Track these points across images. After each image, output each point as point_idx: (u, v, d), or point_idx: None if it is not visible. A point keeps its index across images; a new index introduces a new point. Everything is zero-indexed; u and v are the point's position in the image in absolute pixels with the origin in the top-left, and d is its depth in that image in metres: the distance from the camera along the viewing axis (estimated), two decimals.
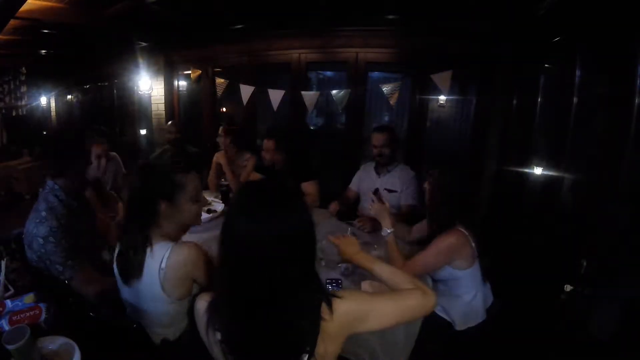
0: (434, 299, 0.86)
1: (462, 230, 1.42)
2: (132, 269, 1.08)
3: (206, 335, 0.81)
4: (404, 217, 2.10)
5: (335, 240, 1.23)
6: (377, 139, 2.23)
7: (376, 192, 1.77)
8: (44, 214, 1.36)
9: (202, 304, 0.84)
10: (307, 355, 0.72)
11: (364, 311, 0.78)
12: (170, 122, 3.50)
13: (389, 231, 1.50)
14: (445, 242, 1.40)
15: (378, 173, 2.33)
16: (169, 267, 1.03)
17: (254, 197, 0.76)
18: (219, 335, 0.77)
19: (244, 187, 0.85)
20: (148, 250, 1.07)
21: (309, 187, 2.42)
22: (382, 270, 1.03)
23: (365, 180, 2.40)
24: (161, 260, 1.04)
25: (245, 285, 0.73)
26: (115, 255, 1.15)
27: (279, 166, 2.50)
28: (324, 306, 0.73)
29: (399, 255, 1.47)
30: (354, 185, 2.48)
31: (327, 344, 0.73)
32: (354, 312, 0.76)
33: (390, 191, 2.24)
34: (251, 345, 0.75)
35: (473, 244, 1.42)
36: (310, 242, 0.76)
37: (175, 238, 1.15)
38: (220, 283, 0.79)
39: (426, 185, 1.57)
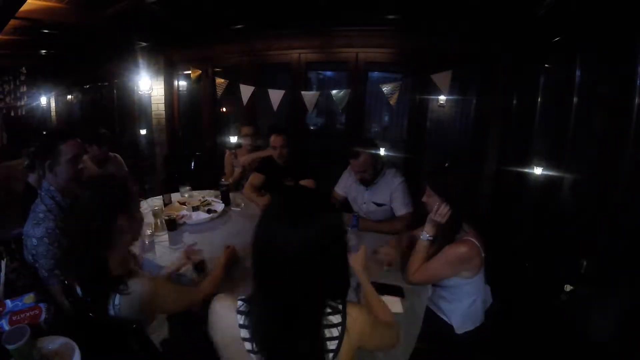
0: (397, 337, 0.97)
1: (473, 240, 1.39)
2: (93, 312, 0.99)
3: (222, 335, 0.82)
4: (408, 226, 1.96)
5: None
6: (355, 165, 2.05)
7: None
8: (41, 215, 1.35)
9: (220, 304, 0.84)
10: (332, 355, 0.75)
11: (373, 326, 0.83)
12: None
13: (427, 237, 1.48)
14: (457, 253, 1.38)
15: (365, 185, 2.17)
16: (123, 307, 0.98)
17: (291, 205, 0.77)
18: (246, 334, 0.78)
19: (278, 195, 0.85)
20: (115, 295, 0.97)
21: (308, 185, 2.42)
22: (372, 296, 1.14)
23: (352, 190, 2.28)
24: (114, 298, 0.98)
25: (279, 289, 0.75)
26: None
27: (285, 161, 2.49)
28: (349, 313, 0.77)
29: (422, 258, 1.46)
30: (340, 189, 2.36)
31: (346, 352, 0.76)
32: (368, 325, 0.81)
33: (378, 205, 2.13)
34: (281, 345, 0.76)
35: (483, 254, 1.40)
36: (343, 249, 0.79)
37: (127, 263, 1.09)
38: (255, 286, 0.79)
39: (426, 200, 1.50)
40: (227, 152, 2.99)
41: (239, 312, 0.80)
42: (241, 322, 0.79)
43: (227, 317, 0.81)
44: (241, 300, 0.82)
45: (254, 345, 0.77)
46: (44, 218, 1.34)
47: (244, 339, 0.78)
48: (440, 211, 1.43)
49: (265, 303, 0.77)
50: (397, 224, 2.02)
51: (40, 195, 1.42)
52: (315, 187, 2.43)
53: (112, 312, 0.98)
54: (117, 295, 0.98)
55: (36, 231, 1.32)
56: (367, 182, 2.13)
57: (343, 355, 0.76)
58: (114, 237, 1.01)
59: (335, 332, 0.76)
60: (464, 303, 1.48)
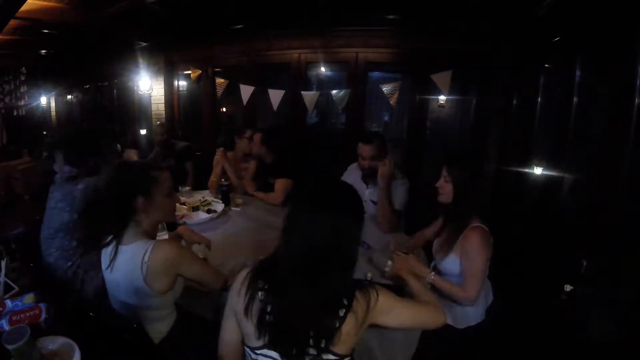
0: (444, 317, 1.01)
1: (482, 225, 1.42)
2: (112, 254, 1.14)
3: (238, 298, 0.90)
4: (393, 220, 2.00)
5: (397, 254, 1.46)
6: (364, 149, 2.08)
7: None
8: (61, 204, 1.58)
9: (241, 277, 0.94)
10: (344, 310, 0.82)
11: (389, 305, 0.90)
12: (158, 123, 3.50)
13: (432, 276, 1.46)
14: (479, 238, 1.38)
15: (366, 183, 2.18)
16: (152, 261, 1.09)
17: (316, 194, 0.89)
18: (260, 295, 0.87)
19: (308, 186, 0.94)
20: (130, 243, 1.14)
21: (280, 184, 2.48)
22: (419, 289, 1.17)
23: (355, 188, 2.29)
24: (144, 255, 1.09)
25: (301, 257, 0.84)
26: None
27: (270, 160, 2.59)
28: (372, 291, 0.86)
29: (450, 284, 1.44)
30: None
31: (352, 325, 0.83)
32: (382, 302, 0.88)
33: (375, 203, 2.09)
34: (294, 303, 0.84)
35: (491, 239, 1.43)
36: (358, 226, 0.88)
37: (153, 235, 1.23)
38: (280, 253, 0.88)
39: (440, 184, 1.53)
40: (219, 151, 2.93)
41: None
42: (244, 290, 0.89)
43: (245, 286, 0.90)
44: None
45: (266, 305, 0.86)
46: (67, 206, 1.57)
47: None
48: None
49: (285, 266, 0.85)
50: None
51: (63, 187, 1.63)
52: (287, 187, 2.47)
53: (139, 270, 1.08)
54: (148, 253, 1.09)
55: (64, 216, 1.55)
56: (368, 176, 2.14)
57: (349, 328, 0.83)
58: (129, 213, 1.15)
59: (341, 312, 0.83)
60: None
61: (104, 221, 1.19)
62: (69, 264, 1.61)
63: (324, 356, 0.83)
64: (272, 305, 0.85)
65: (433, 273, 1.47)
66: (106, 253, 1.18)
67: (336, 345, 0.82)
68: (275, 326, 0.84)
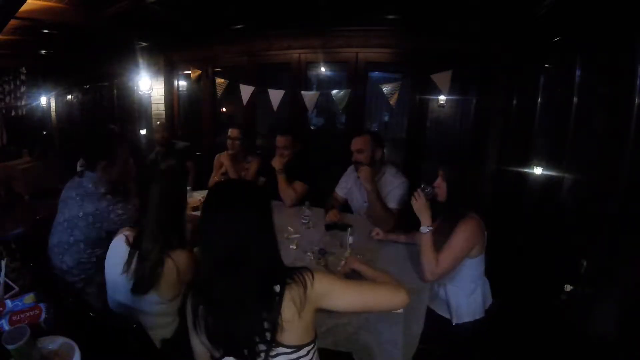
0: (404, 297, 0.95)
1: (476, 216, 1.47)
2: (146, 280, 1.12)
3: (193, 326, 0.89)
4: (389, 220, 2.00)
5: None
6: (356, 142, 2.11)
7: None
8: (79, 198, 1.54)
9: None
10: (278, 298, 0.82)
11: (328, 285, 0.89)
12: (158, 122, 3.52)
13: (428, 229, 1.51)
14: (467, 231, 1.43)
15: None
16: (165, 272, 1.10)
17: (222, 195, 0.90)
18: (201, 309, 0.86)
19: (215, 187, 0.97)
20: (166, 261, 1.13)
21: (297, 187, 2.40)
22: (373, 273, 1.15)
23: (353, 190, 2.29)
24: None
25: (220, 263, 0.84)
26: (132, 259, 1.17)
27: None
28: (306, 274, 0.86)
29: (432, 251, 1.46)
30: (340, 191, 2.36)
31: (293, 312, 0.82)
32: (319, 283, 0.86)
33: None
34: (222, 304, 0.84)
35: (486, 233, 1.48)
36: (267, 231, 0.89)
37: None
38: (203, 267, 0.89)
39: (438, 184, 1.57)
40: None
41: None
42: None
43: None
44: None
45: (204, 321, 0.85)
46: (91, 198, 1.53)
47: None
48: (414, 203, 1.56)
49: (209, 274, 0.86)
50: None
51: (75, 182, 1.61)
52: (303, 191, 2.41)
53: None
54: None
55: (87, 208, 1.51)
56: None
57: (292, 314, 0.82)
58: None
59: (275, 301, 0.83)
60: (463, 289, 1.50)
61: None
62: (82, 276, 1.57)
63: (277, 350, 0.82)
64: (210, 314, 0.84)
65: (431, 228, 1.51)
66: (116, 251, 1.17)
67: (283, 336, 0.81)
68: (220, 334, 0.84)
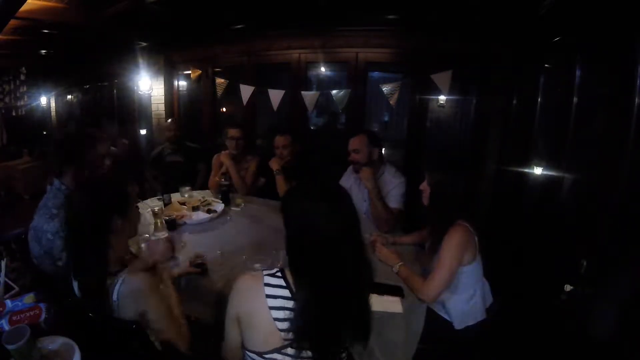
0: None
1: (464, 223, 1.44)
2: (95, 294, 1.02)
3: (249, 307, 0.87)
4: (390, 219, 2.01)
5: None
6: (352, 143, 2.13)
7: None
8: (54, 210, 1.39)
9: (244, 282, 0.92)
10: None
11: None
12: (170, 120, 3.54)
13: (397, 267, 1.54)
14: (455, 239, 1.40)
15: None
16: (122, 299, 0.99)
17: (310, 193, 0.89)
18: (274, 303, 0.84)
19: (297, 187, 0.98)
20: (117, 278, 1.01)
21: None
22: None
23: (353, 190, 2.27)
24: (113, 291, 1.00)
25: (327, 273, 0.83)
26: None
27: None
28: None
29: (416, 278, 1.46)
30: None
31: None
32: None
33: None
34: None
35: (476, 237, 1.45)
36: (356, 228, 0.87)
37: (122, 262, 1.11)
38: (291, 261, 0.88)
39: (423, 187, 1.57)
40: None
41: (266, 284, 0.86)
42: (269, 292, 0.85)
43: (253, 289, 0.87)
44: (267, 275, 0.89)
45: (287, 325, 0.82)
46: (57, 214, 1.38)
47: (271, 308, 0.84)
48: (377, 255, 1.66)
49: (312, 290, 0.82)
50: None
51: (50, 190, 1.47)
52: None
53: (114, 302, 1.00)
54: (116, 291, 0.99)
55: (50, 226, 1.36)
56: (359, 169, 2.13)
57: None
58: (107, 237, 1.05)
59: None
60: (463, 296, 1.49)
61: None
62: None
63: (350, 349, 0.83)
64: (303, 305, 0.82)
65: (400, 264, 1.53)
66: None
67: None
68: (309, 326, 0.81)
